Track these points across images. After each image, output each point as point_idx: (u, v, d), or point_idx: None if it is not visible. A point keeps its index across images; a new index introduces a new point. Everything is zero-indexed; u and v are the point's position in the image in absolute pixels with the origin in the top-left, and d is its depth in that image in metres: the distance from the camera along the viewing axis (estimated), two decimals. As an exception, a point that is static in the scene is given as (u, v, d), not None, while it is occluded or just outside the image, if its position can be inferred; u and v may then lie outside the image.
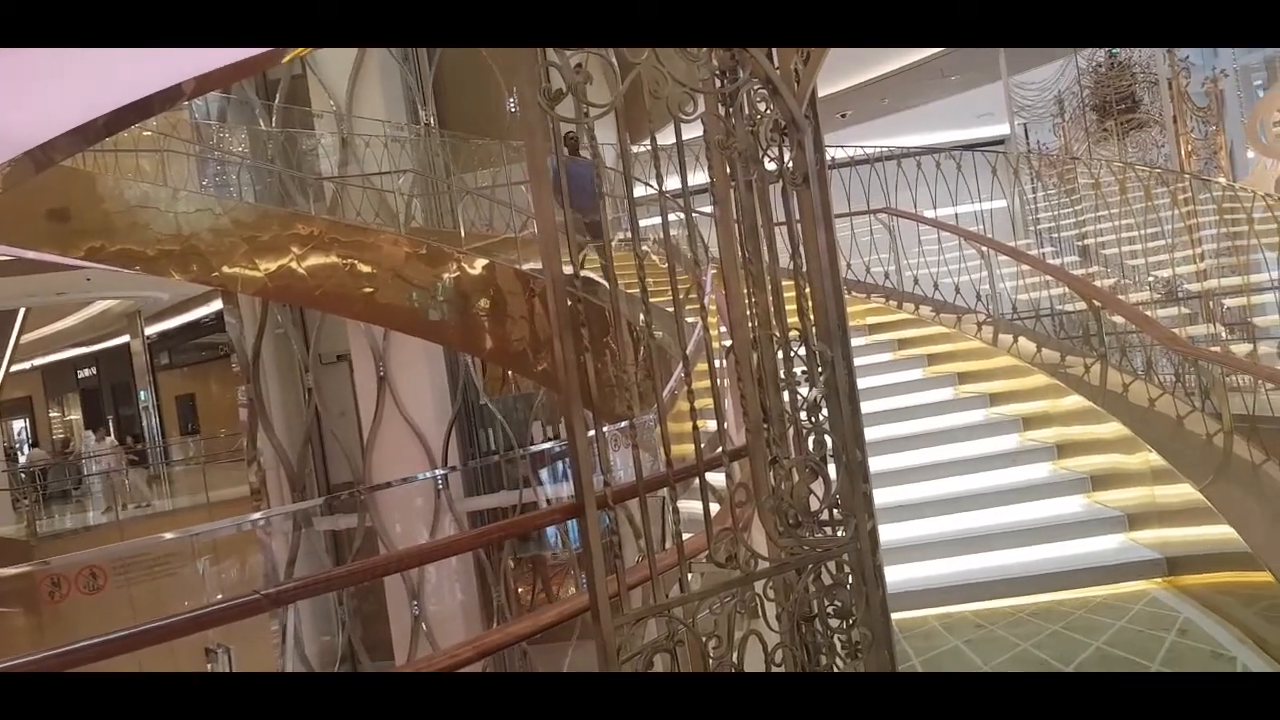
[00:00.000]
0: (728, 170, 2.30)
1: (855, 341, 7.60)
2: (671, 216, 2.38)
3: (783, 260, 2.37)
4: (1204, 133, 12.87)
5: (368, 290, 8.34)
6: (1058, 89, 13.82)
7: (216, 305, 14.09)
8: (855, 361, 7.23)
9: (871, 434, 6.15)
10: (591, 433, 1.92)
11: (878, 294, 8.94)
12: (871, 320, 8.22)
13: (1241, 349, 5.68)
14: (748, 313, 2.34)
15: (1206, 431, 4.85)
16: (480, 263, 8.32)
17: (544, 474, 9.23)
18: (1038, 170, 9.20)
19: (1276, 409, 4.58)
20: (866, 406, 6.48)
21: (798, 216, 2.31)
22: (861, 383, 7.40)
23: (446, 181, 11.30)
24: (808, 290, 2.34)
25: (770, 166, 2.34)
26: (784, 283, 2.35)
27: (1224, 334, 6.20)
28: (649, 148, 2.07)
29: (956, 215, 8.19)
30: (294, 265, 8.43)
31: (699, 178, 2.37)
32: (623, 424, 2.18)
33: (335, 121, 11.47)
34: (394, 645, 9.87)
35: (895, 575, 4.87)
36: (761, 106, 2.32)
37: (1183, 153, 11.74)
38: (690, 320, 4.21)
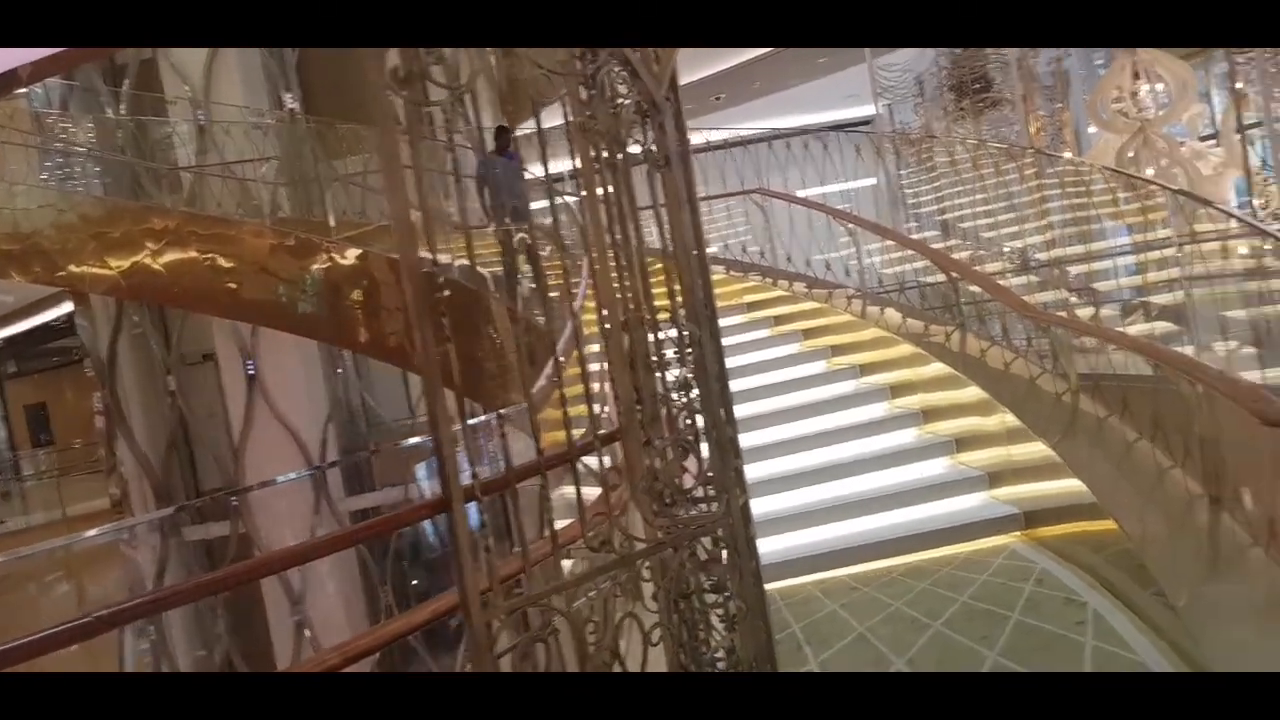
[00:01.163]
0: (592, 153, 2.30)
1: (734, 320, 7.84)
2: (546, 203, 2.37)
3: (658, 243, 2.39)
4: (1051, 110, 13.62)
5: (231, 285, 7.97)
6: (918, 71, 14.36)
7: (67, 307, 13.19)
8: (736, 339, 7.38)
9: (751, 409, 6.36)
10: (465, 423, 1.89)
11: (755, 272, 9.13)
12: (750, 298, 8.40)
13: (1086, 312, 6.05)
14: (617, 295, 2.35)
15: (1056, 391, 5.16)
16: (353, 253, 8.06)
17: (424, 468, 9.04)
18: (899, 149, 9.55)
19: (1117, 367, 4.90)
20: (747, 382, 6.69)
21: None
22: (741, 359, 7.57)
23: (314, 169, 10.87)
24: (676, 272, 2.36)
25: (634, 149, 2.35)
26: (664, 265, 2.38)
27: (1071, 299, 6.59)
28: (530, 131, 2.05)
29: (825, 195, 8.44)
30: (149, 261, 7.99)
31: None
32: (501, 412, 2.16)
33: (191, 108, 10.87)
34: (275, 655, 9.53)
35: (775, 545, 5.06)
36: (622, 88, 2.32)
37: (1032, 130, 12.39)
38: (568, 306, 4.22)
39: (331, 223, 9.09)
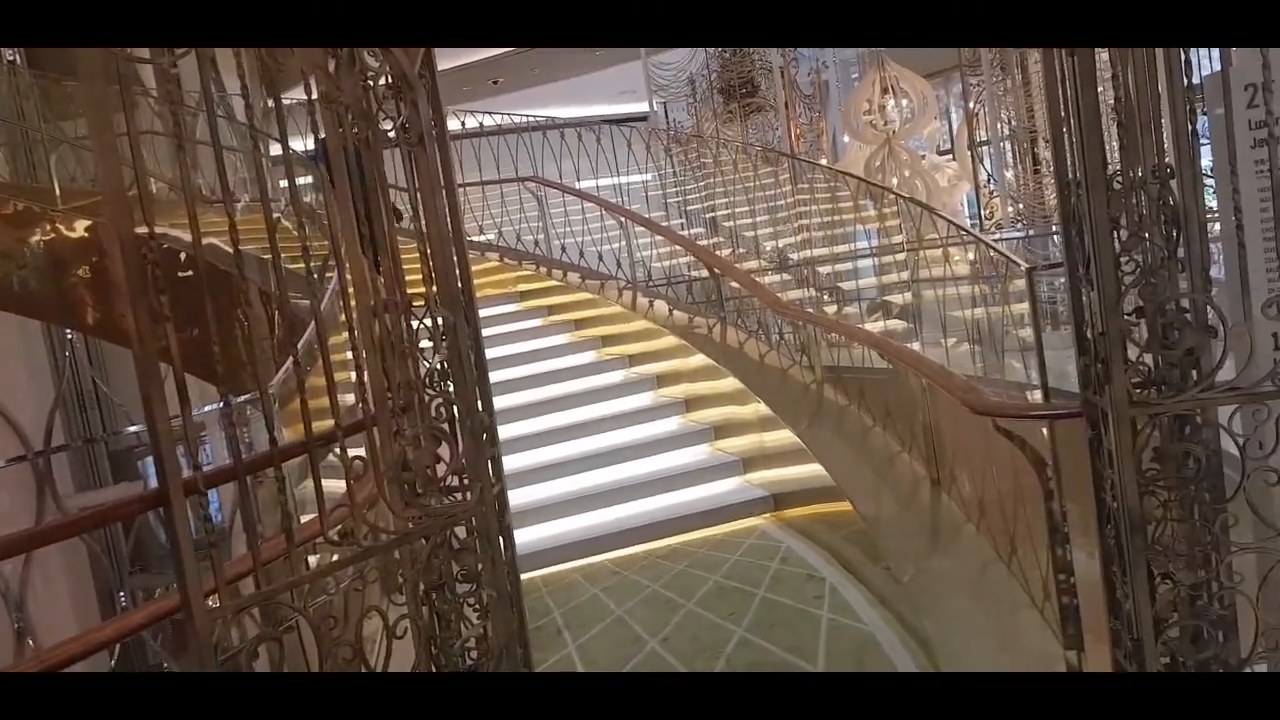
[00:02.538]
0: (340, 129, 2.19)
1: (507, 308, 7.79)
2: (304, 180, 2.23)
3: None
4: (810, 118, 14.53)
5: (-68, 256, 6.97)
6: (690, 70, 14.85)
7: None
8: (508, 328, 7.28)
9: (522, 398, 6.33)
10: (187, 412, 1.75)
11: (529, 261, 9.11)
12: (523, 287, 8.38)
13: (832, 310, 6.52)
14: (368, 279, 2.26)
15: (804, 382, 5.53)
16: (82, 224, 7.26)
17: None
18: (670, 147, 9.84)
19: (857, 361, 5.32)
20: (519, 371, 6.66)
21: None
22: (513, 348, 7.50)
23: (38, 130, 9.68)
24: (430, 257, 2.30)
25: (386, 127, 2.27)
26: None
27: (822, 298, 7.07)
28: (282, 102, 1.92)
29: (599, 187, 8.55)
30: None
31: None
32: (238, 399, 2.01)
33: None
34: (-11, 665, 8.47)
35: (542, 533, 5.09)
36: (372, 61, 2.23)
37: (792, 135, 13.17)
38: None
39: (57, 191, 8.15)
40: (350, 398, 2.61)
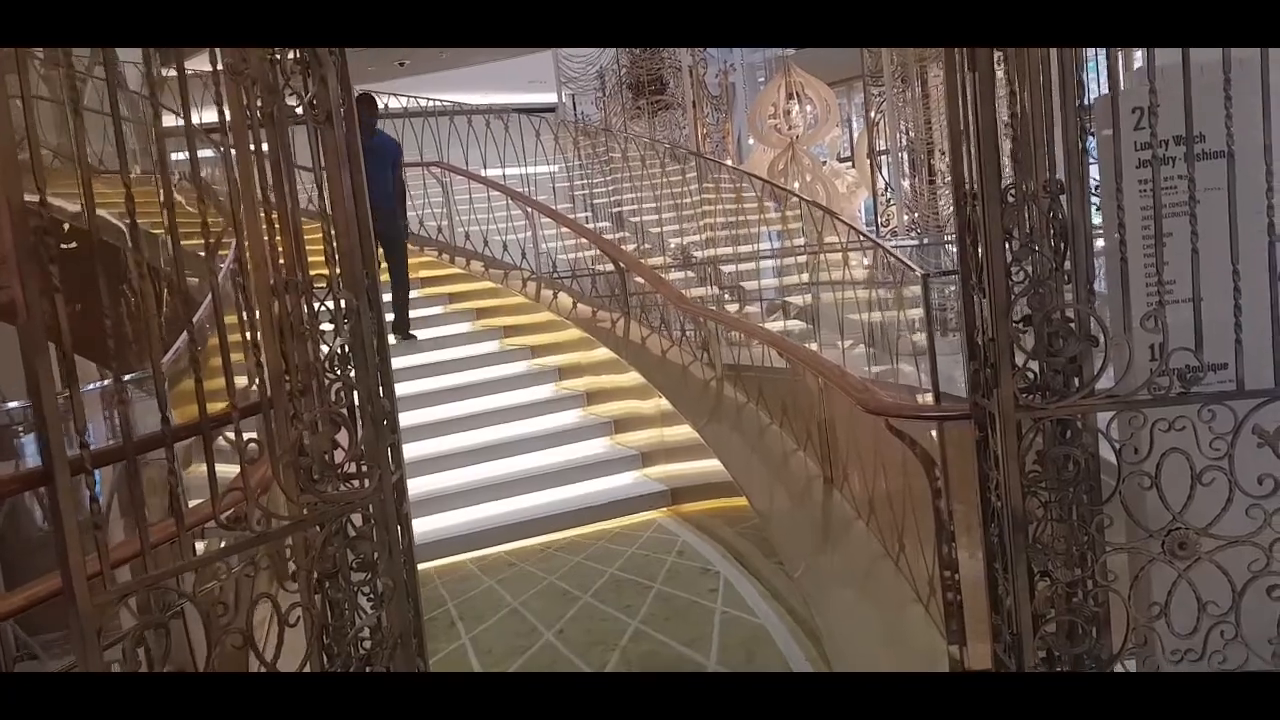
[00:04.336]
0: (244, 101, 2.11)
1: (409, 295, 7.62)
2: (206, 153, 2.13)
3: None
4: (716, 119, 14.73)
5: None
6: (600, 64, 14.85)
7: None
8: (410, 315, 7.08)
9: (421, 386, 6.22)
10: (75, 389, 1.66)
11: (431, 247, 8.96)
12: (425, 274, 8.23)
13: (734, 308, 6.63)
14: (267, 257, 2.18)
15: (704, 379, 5.61)
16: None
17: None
18: (576, 140, 9.82)
19: (756, 360, 5.42)
20: (417, 359, 6.55)
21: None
22: (413, 334, 7.30)
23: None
24: (334, 237, 2.24)
25: (292, 101, 2.19)
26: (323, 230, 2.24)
27: (723, 296, 7.18)
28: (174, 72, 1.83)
29: (505, 175, 8.46)
30: None
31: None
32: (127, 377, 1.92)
33: None
34: None
35: (439, 523, 5.02)
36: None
37: (699, 135, 13.31)
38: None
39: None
40: (243, 379, 2.53)
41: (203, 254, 2.09)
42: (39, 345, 1.60)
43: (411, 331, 6.93)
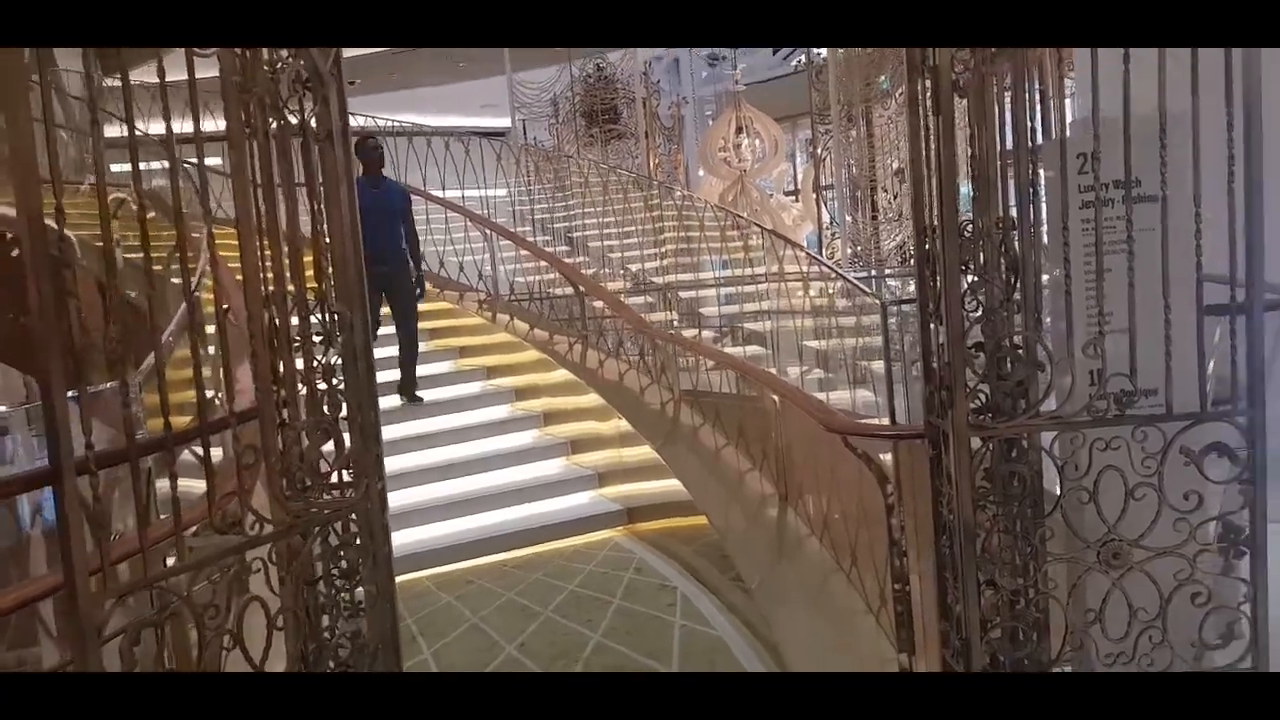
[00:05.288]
0: (243, 117, 2.18)
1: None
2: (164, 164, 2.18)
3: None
4: (668, 149, 15.00)
5: None
6: (554, 91, 15.02)
7: None
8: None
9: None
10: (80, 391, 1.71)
11: (384, 267, 8.95)
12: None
13: (690, 333, 6.78)
14: (260, 270, 2.25)
15: (661, 401, 5.73)
16: None
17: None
18: (536, 164, 9.94)
19: (713, 385, 5.56)
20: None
21: (320, 175, 2.28)
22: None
23: None
24: (329, 252, 2.32)
25: (293, 120, 2.27)
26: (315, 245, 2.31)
27: (682, 322, 7.33)
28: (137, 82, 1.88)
29: (464, 197, 8.53)
30: None
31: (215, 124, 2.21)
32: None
33: None
34: None
35: (393, 540, 5.02)
36: (284, 53, 2.24)
37: (651, 164, 13.54)
38: (178, 281, 3.85)
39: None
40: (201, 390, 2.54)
41: (156, 269, 2.15)
42: (52, 349, 1.66)
43: (418, 394, 6.45)
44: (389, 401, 6.23)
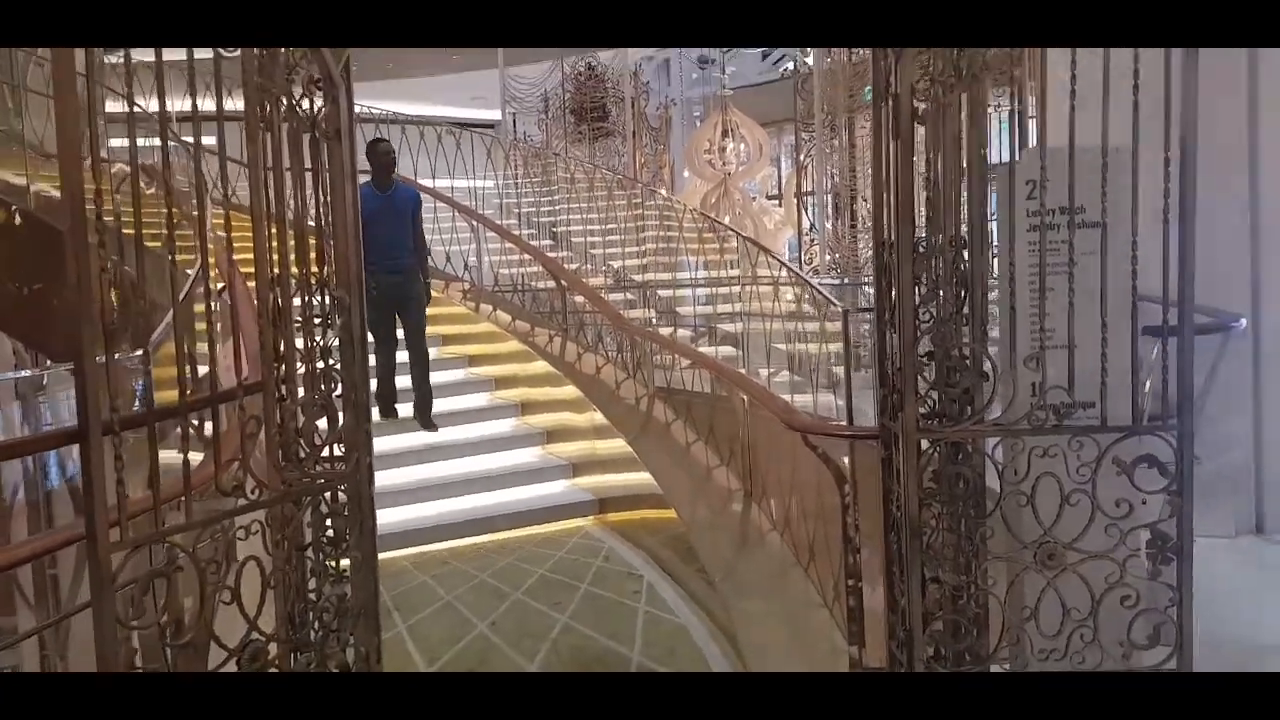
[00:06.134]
0: (263, 116, 2.33)
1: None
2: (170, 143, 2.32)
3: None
4: (654, 150, 15.17)
5: None
6: (545, 88, 15.15)
7: None
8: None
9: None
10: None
11: (371, 254, 9.03)
12: (364, 279, 8.31)
13: (666, 331, 6.95)
14: (268, 253, 2.40)
15: (636, 396, 5.91)
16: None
17: None
18: (525, 159, 10.08)
19: (685, 382, 5.75)
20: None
21: (326, 167, 2.43)
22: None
23: None
24: (332, 240, 2.48)
25: (304, 117, 2.43)
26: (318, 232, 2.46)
27: (659, 319, 7.50)
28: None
29: (453, 188, 8.66)
30: None
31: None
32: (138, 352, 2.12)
33: None
34: None
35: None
36: (298, 55, 2.40)
37: (637, 164, 13.71)
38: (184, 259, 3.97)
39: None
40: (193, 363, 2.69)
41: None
42: (85, 315, 1.81)
43: (434, 421, 6.01)
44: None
